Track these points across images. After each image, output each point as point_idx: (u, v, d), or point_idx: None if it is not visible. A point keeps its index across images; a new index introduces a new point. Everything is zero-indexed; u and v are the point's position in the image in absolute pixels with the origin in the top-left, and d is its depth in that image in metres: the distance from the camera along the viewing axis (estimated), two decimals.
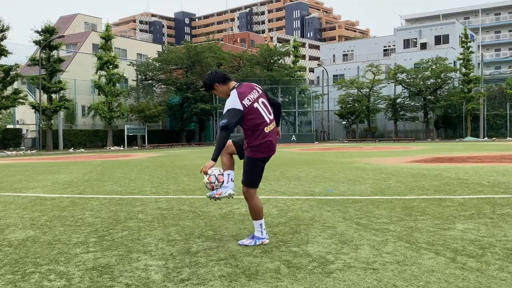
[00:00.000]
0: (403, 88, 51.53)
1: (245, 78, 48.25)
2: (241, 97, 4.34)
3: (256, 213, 4.44)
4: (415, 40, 60.14)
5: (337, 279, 3.34)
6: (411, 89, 50.58)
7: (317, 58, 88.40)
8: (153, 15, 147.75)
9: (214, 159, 4.19)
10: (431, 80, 49.26)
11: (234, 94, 4.37)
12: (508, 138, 46.33)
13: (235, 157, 4.62)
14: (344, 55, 68.24)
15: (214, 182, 4.36)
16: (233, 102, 4.33)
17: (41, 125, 37.82)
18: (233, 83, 4.52)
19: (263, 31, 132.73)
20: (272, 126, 4.46)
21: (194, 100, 49.35)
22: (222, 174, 4.43)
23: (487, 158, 16.19)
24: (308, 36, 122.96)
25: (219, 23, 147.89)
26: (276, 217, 5.78)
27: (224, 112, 4.33)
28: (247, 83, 4.56)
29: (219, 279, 3.40)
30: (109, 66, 42.42)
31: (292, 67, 55.44)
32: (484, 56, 65.98)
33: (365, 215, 5.79)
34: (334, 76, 62.21)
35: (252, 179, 4.44)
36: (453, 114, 51.50)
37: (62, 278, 3.51)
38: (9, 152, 33.77)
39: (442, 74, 48.79)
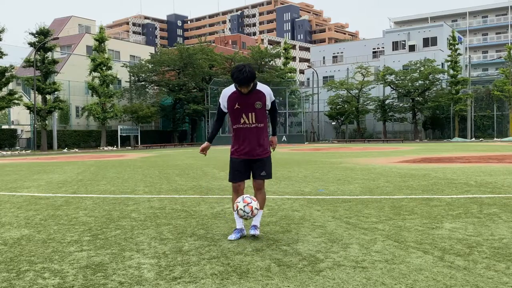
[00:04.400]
0: (392, 89, 51.81)
1: None
2: None
3: (264, 203, 4.93)
4: (403, 42, 60.49)
5: (327, 277, 3.37)
6: (400, 90, 50.88)
7: (308, 60, 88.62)
8: (146, 18, 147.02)
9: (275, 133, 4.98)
10: (419, 82, 49.59)
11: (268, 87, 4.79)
12: (495, 139, 46.78)
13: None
14: (334, 57, 68.44)
15: (249, 213, 4.56)
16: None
17: (35, 125, 37.76)
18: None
19: (254, 33, 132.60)
20: None
21: (186, 101, 49.41)
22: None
23: (474, 159, 16.35)
24: (299, 38, 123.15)
25: (211, 25, 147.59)
26: (266, 216, 5.83)
27: (273, 95, 4.76)
28: None
29: (211, 277, 3.44)
30: (103, 68, 42.35)
31: (283, 68, 55.56)
32: (472, 58, 66.63)
33: (355, 214, 5.85)
34: (324, 77, 62.44)
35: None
36: (441, 115, 51.90)
37: (56, 276, 3.53)
38: (4, 152, 33.69)
39: (430, 75, 49.15)
